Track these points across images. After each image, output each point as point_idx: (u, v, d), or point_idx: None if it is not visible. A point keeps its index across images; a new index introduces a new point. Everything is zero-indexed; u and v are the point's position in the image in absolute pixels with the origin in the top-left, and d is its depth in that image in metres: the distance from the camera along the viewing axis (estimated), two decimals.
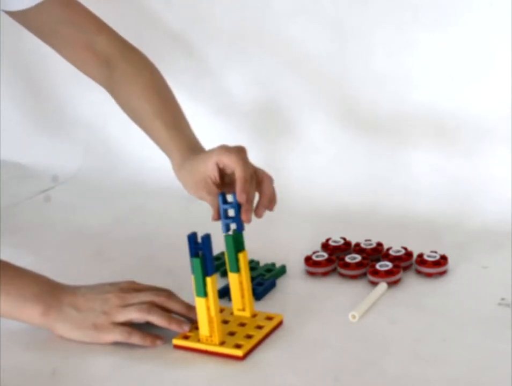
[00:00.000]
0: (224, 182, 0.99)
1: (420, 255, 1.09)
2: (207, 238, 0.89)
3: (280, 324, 0.97)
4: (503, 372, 0.84)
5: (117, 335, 0.94)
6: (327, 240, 1.17)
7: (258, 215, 1.00)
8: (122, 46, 1.18)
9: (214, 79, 1.48)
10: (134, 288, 0.99)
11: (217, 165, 0.97)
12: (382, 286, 1.04)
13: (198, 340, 0.92)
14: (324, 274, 1.10)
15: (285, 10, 1.39)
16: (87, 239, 1.28)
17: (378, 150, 1.35)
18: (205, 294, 0.90)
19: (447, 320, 0.96)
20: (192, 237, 0.89)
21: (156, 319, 0.95)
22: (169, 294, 0.99)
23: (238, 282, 0.97)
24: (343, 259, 1.10)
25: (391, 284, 1.05)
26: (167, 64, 1.51)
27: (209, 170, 0.98)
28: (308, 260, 1.11)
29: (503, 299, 0.99)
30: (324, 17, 1.36)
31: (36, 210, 1.43)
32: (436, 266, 1.06)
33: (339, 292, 1.05)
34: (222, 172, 0.98)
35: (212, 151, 0.99)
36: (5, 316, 0.96)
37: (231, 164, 0.96)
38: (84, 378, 0.90)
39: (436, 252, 1.09)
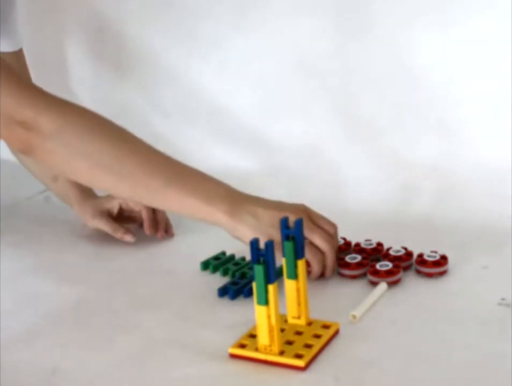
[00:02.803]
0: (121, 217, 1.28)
1: (420, 255, 1.09)
2: (270, 244, 0.85)
3: (337, 332, 0.94)
4: (503, 372, 0.84)
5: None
6: None
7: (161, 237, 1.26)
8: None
9: (214, 80, 1.48)
10: (309, 212, 1.05)
11: (120, 205, 1.26)
12: (382, 286, 1.03)
13: (256, 349, 0.89)
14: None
15: (285, 10, 1.39)
16: (87, 239, 1.28)
17: (378, 150, 1.35)
18: (266, 302, 0.87)
19: (447, 320, 0.96)
20: (254, 244, 0.86)
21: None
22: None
23: (295, 289, 0.93)
24: (343, 259, 1.10)
25: (391, 284, 1.05)
26: (168, 64, 1.51)
27: (112, 206, 1.26)
28: None
29: (503, 299, 0.99)
30: (324, 17, 1.36)
31: (36, 210, 1.43)
32: (436, 266, 1.06)
33: (339, 292, 1.05)
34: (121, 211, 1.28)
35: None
36: (189, 214, 1.06)
37: (137, 206, 1.26)
38: (84, 377, 0.90)
39: (436, 252, 1.09)
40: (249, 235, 1.01)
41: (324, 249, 1.04)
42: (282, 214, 1.01)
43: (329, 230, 1.06)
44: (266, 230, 1.02)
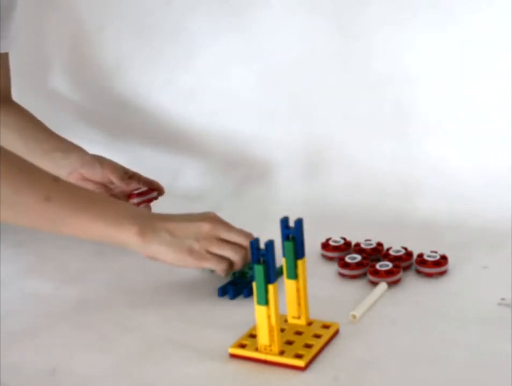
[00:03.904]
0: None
1: (420, 255, 1.09)
2: (270, 244, 0.85)
3: (337, 332, 0.94)
4: (503, 372, 0.84)
5: (211, 264, 1.02)
6: (327, 240, 1.17)
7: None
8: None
9: (214, 80, 1.48)
10: (220, 220, 1.05)
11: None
12: (382, 286, 1.04)
13: (256, 349, 0.89)
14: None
15: (285, 10, 1.39)
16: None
17: (378, 150, 1.35)
18: (266, 302, 0.87)
19: (447, 320, 0.96)
20: (254, 243, 0.86)
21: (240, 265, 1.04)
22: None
23: (295, 289, 0.93)
24: (343, 259, 1.10)
25: (391, 284, 1.05)
26: (168, 63, 1.51)
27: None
28: None
29: (503, 299, 0.99)
30: (324, 17, 1.36)
31: None
32: (436, 266, 1.06)
33: (339, 292, 1.05)
34: None
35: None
36: (99, 239, 1.02)
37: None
38: (84, 377, 0.90)
39: (436, 252, 1.09)
40: (167, 252, 1.01)
41: (233, 260, 1.04)
42: (196, 225, 1.02)
43: (241, 242, 1.04)
44: (183, 242, 1.01)
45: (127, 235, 1.00)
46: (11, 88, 1.38)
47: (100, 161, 1.27)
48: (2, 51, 1.33)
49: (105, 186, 1.26)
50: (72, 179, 1.23)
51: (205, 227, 1.02)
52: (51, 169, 1.17)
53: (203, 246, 1.01)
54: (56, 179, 1.01)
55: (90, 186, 1.23)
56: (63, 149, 1.28)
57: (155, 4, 1.49)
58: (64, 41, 1.59)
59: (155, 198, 1.29)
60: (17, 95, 1.38)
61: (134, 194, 1.27)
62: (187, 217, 1.04)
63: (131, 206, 1.05)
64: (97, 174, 1.25)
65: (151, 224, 1.01)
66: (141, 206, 1.25)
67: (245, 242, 1.03)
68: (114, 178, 1.25)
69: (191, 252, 1.01)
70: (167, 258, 1.01)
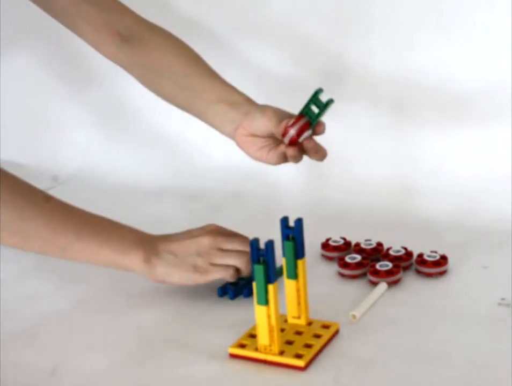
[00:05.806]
0: None
1: (420, 255, 1.09)
2: (270, 244, 0.85)
3: (337, 332, 0.94)
4: (503, 372, 0.84)
5: (218, 274, 1.01)
6: (327, 240, 1.17)
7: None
8: (148, 24, 1.19)
9: None
10: (220, 231, 1.05)
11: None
12: (382, 286, 1.04)
13: (256, 349, 0.90)
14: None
15: (285, 10, 1.39)
16: None
17: (378, 150, 1.35)
18: (266, 302, 0.87)
19: (447, 320, 0.96)
20: (254, 243, 0.86)
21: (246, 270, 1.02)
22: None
23: (295, 289, 0.93)
24: (343, 259, 1.10)
25: (391, 284, 1.05)
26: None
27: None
28: None
29: (503, 299, 0.99)
30: (324, 17, 1.36)
31: None
32: (436, 266, 1.06)
33: (339, 292, 1.05)
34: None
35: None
36: (106, 265, 1.00)
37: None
38: (84, 377, 0.90)
39: (436, 252, 1.09)
40: (172, 273, 1.00)
41: (238, 265, 1.02)
42: (196, 241, 1.02)
43: (243, 249, 1.04)
44: (186, 260, 1.01)
45: (133, 261, 1.00)
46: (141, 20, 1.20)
47: (262, 110, 1.07)
48: None
49: (274, 139, 1.07)
50: (238, 136, 1.09)
51: (205, 241, 1.02)
52: (213, 123, 1.12)
53: (206, 260, 1.01)
54: (47, 199, 0.98)
55: (259, 142, 1.08)
56: (229, 100, 1.11)
57: (155, 6, 1.49)
58: None
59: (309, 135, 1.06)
60: None
61: (288, 127, 1.04)
62: (187, 235, 1.04)
63: (134, 230, 1.03)
64: (260, 127, 1.06)
65: (154, 248, 1.01)
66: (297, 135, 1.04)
67: (247, 249, 1.03)
68: (271, 127, 1.05)
69: (195, 268, 1.00)
70: (173, 279, 1.00)
